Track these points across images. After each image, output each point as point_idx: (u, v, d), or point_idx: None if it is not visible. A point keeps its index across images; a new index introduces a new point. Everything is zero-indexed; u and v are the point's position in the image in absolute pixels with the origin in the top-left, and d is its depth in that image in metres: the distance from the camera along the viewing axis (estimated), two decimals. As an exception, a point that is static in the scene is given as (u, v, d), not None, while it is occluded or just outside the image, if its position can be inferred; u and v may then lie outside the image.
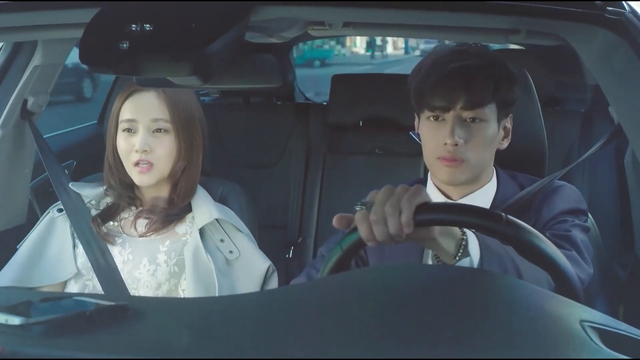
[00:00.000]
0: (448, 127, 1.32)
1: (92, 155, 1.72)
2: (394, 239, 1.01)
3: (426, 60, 1.38)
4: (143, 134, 1.55)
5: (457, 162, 1.33)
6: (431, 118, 1.36)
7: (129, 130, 1.57)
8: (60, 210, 1.63)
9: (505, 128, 1.40)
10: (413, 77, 1.38)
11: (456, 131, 1.32)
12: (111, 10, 0.95)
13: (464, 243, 1.08)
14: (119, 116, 1.58)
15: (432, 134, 1.35)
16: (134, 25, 0.90)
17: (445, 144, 1.32)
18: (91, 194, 1.64)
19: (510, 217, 0.97)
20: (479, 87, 1.31)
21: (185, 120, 1.59)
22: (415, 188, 1.02)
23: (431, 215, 1.00)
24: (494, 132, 1.36)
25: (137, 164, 1.55)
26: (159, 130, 1.56)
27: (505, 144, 1.42)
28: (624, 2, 1.21)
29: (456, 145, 1.32)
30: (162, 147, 1.56)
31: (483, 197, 1.40)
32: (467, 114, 1.33)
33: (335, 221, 1.07)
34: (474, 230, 1.08)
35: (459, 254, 1.08)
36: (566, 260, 0.99)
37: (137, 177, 1.57)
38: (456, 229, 1.08)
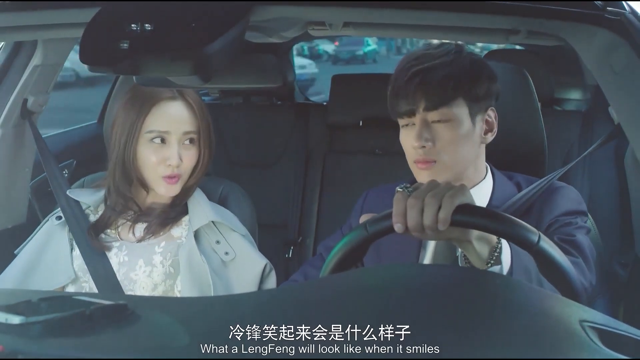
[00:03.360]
0: (415, 132, 1.34)
1: (92, 155, 1.72)
2: (424, 231, 1.02)
3: (395, 69, 1.40)
4: (177, 147, 1.54)
5: (430, 164, 1.34)
6: (404, 125, 1.38)
7: (159, 140, 1.54)
8: (59, 218, 1.63)
9: (487, 122, 1.39)
10: (388, 87, 1.40)
11: (422, 134, 1.33)
12: (111, 9, 0.95)
13: (497, 251, 1.08)
14: (143, 125, 1.54)
15: (406, 140, 1.37)
16: (134, 25, 0.90)
17: (414, 148, 1.34)
18: (89, 200, 1.64)
19: (544, 236, 0.99)
20: (438, 88, 1.32)
21: (209, 129, 1.59)
22: (460, 187, 1.03)
23: (469, 218, 1.00)
24: (466, 129, 1.35)
25: (167, 176, 1.55)
26: (188, 141, 1.56)
27: (490, 138, 1.40)
28: (624, 2, 1.21)
29: (424, 147, 1.33)
30: (189, 159, 1.56)
31: (477, 195, 1.40)
32: (432, 116, 1.34)
33: None
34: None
35: (491, 261, 1.08)
36: (584, 291, 1.00)
37: (164, 188, 1.56)
38: (493, 236, 1.08)
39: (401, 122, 1.38)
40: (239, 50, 0.98)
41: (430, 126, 1.34)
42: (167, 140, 1.54)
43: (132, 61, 0.88)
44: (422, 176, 1.35)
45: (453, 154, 1.34)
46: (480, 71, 1.37)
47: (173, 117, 1.54)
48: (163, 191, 1.56)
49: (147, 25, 0.89)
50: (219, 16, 0.93)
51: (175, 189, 1.57)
